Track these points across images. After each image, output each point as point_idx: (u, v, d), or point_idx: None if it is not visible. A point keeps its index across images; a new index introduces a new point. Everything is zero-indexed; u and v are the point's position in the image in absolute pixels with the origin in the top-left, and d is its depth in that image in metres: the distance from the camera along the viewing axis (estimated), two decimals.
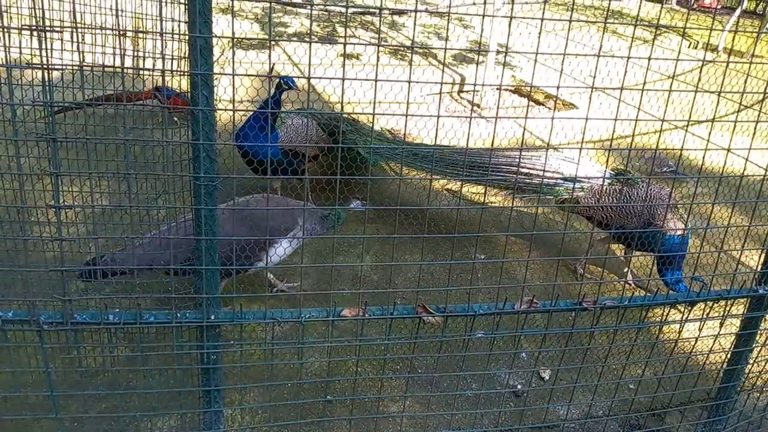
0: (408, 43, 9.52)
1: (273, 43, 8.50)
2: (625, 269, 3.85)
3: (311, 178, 4.52)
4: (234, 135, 3.70)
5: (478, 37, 9.71)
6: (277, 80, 3.69)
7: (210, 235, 1.89)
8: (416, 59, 8.53)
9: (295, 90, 3.66)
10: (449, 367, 3.09)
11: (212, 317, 1.95)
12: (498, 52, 7.98)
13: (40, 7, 1.50)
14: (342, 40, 8.89)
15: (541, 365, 3.26)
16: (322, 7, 10.22)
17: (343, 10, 10.03)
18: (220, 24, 6.85)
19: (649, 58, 2.25)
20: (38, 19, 1.44)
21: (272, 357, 1.96)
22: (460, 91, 8.12)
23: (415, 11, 1.86)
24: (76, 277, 2.81)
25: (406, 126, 1.96)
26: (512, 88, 8.37)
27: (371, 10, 10.23)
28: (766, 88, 2.90)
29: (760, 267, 2.41)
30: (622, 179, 3.72)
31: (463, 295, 3.64)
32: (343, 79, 1.75)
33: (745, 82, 2.38)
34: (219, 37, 1.66)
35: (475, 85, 8.05)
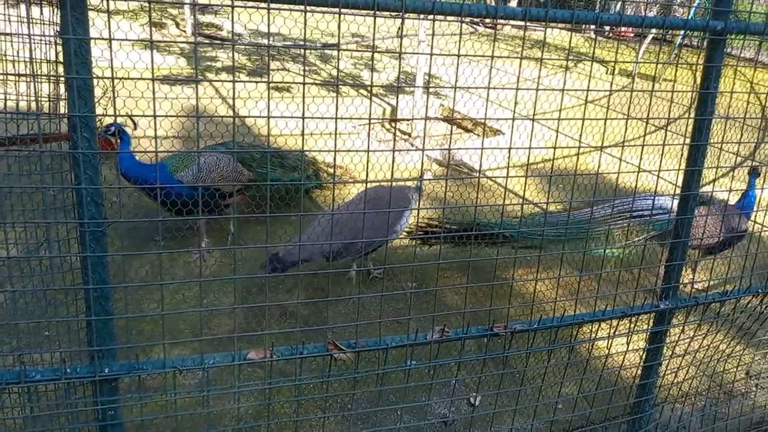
0: (339, 74, 9.63)
1: (200, 77, 8.39)
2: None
3: (236, 216, 4.43)
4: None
5: (407, 67, 9.94)
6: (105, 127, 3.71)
7: (100, 283, 1.79)
8: (347, 90, 8.62)
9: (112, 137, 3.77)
10: (371, 403, 3.04)
11: (106, 370, 1.83)
12: (426, 83, 8.17)
13: None
14: (271, 73, 8.88)
15: (471, 391, 3.26)
16: (250, 41, 10.20)
17: (276, 44, 10.05)
18: (140, 57, 6.70)
19: (563, 89, 2.34)
20: None
21: (176, 408, 1.85)
22: (391, 121, 8.25)
23: (338, 50, 1.86)
24: (263, 270, 3.73)
25: (335, 160, 1.92)
26: (441, 117, 8.58)
27: (299, 43, 10.30)
28: (669, 112, 3.09)
29: (660, 282, 2.51)
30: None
31: (396, 327, 3.62)
32: (269, 117, 1.72)
33: (649, 105, 2.51)
34: (98, 78, 1.61)
35: (406, 119, 8.19)
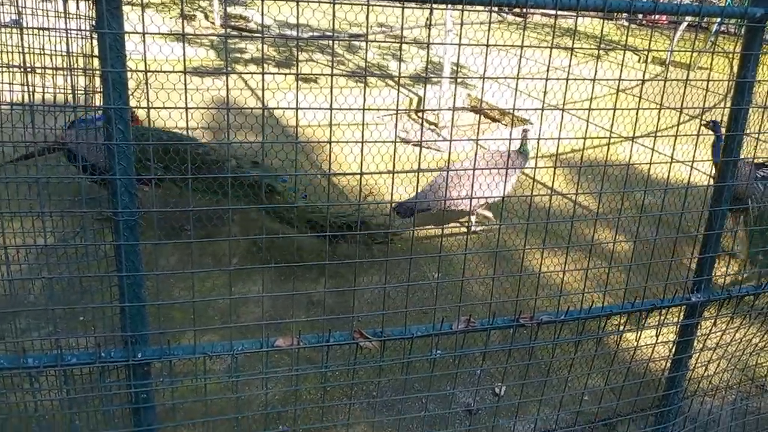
0: (365, 64, 9.62)
1: (229, 68, 8.48)
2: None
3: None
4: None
5: (434, 57, 9.87)
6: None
7: (133, 270, 1.85)
8: (373, 80, 8.61)
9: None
10: (398, 391, 3.07)
11: (139, 355, 1.89)
12: (452, 72, 8.11)
13: None
14: (299, 64, 8.93)
15: (496, 381, 3.26)
16: (277, 33, 10.27)
17: (303, 35, 10.08)
18: (172, 50, 6.81)
19: (594, 79, 2.30)
20: None
21: (206, 393, 1.91)
22: (416, 111, 8.21)
23: (367, 41, 1.87)
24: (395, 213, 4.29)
25: (362, 151, 1.94)
26: (468, 107, 8.51)
27: (328, 33, 10.32)
28: (704, 101, 3.01)
29: (692, 275, 2.46)
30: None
31: (420, 316, 3.64)
32: (297, 109, 1.73)
33: (683, 94, 2.45)
34: (132, 71, 1.65)
35: (431, 109, 8.15)
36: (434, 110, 7.85)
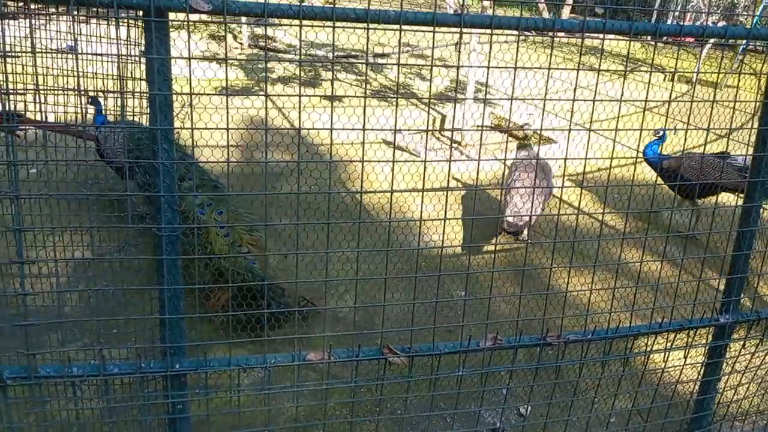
0: (389, 83, 9.76)
1: (257, 87, 8.68)
2: None
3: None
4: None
5: (458, 76, 9.96)
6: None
7: (173, 284, 1.92)
8: (399, 100, 8.71)
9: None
10: (424, 408, 3.08)
11: (177, 366, 1.96)
12: (477, 91, 8.18)
13: (3, 70, 1.57)
14: (325, 83, 9.10)
15: (520, 401, 3.26)
16: (305, 52, 10.48)
17: (327, 55, 10.28)
18: (199, 72, 7.02)
19: (620, 100, 2.34)
20: (1, 82, 1.51)
21: (239, 405, 1.96)
22: (441, 130, 8.28)
23: (398, 63, 1.95)
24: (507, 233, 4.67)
25: (393, 169, 2.01)
26: (492, 125, 8.55)
27: (353, 53, 10.50)
28: (731, 121, 3.01)
29: (721, 296, 2.45)
30: None
31: (444, 334, 3.66)
32: (331, 129, 1.81)
33: (710, 114, 2.47)
34: (178, 94, 1.74)
35: (453, 127, 8.21)
36: (458, 129, 7.91)
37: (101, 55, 1.76)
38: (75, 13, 1.62)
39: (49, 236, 2.09)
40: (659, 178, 5.07)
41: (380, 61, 10.38)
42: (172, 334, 1.97)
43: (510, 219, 4.60)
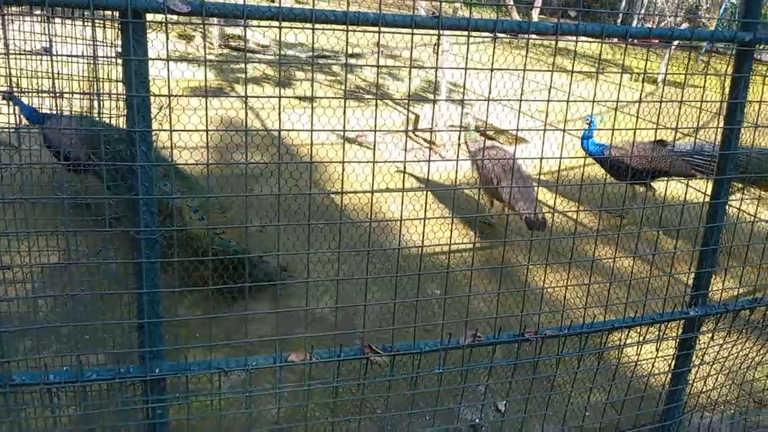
0: (363, 84, 9.77)
1: (229, 88, 8.59)
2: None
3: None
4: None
5: (431, 76, 10.03)
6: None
7: (152, 287, 1.90)
8: (371, 98, 8.74)
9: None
10: (404, 407, 3.11)
11: (156, 370, 1.94)
12: (450, 91, 8.26)
13: None
14: (299, 84, 9.05)
15: (497, 397, 3.30)
16: (277, 52, 10.41)
17: (301, 56, 10.24)
18: (174, 74, 6.92)
19: (593, 101, 2.39)
20: None
21: (219, 408, 1.95)
22: (415, 130, 8.33)
23: (377, 65, 1.96)
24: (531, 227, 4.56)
25: (373, 170, 2.02)
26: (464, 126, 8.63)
27: (326, 53, 10.47)
28: (698, 120, 3.11)
29: (690, 290, 2.54)
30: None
31: (422, 333, 3.68)
32: (312, 131, 1.82)
33: (678, 114, 2.54)
34: (156, 96, 1.72)
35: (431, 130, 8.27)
36: (431, 130, 7.97)
37: (76, 56, 1.73)
38: (50, 14, 1.59)
39: (24, 241, 2.04)
40: (601, 168, 5.38)
41: (354, 61, 10.38)
42: (151, 338, 1.95)
43: (532, 216, 4.75)
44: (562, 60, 11.67)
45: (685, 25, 11.43)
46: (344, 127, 1.70)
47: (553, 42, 2.16)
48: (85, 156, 3.68)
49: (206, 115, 1.72)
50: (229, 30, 11.92)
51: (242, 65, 9.74)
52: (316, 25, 1.84)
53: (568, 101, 2.11)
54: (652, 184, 5.61)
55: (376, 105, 1.92)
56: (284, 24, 1.77)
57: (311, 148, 1.97)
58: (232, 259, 3.57)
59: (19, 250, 1.74)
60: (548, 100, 2.10)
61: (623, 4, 14.79)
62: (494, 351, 2.25)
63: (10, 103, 4.02)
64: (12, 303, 2.02)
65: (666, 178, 5.29)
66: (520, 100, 2.14)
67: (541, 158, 2.16)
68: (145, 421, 2.02)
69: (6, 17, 1.84)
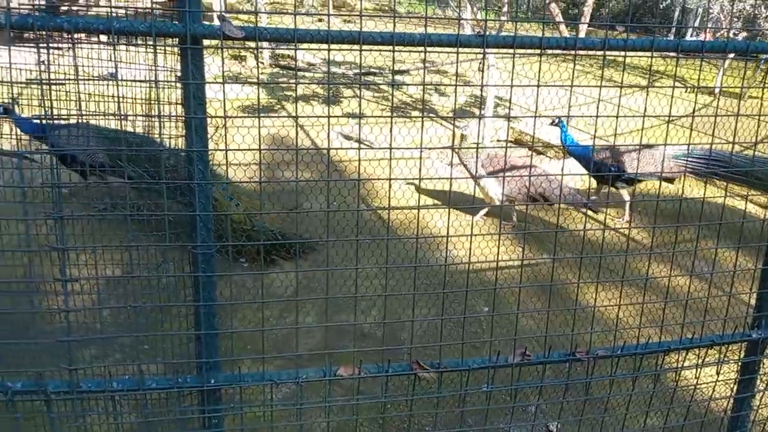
0: (408, 99, 9.85)
1: (278, 106, 8.83)
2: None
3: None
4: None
5: (477, 91, 10.01)
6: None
7: (208, 300, 1.97)
8: (417, 115, 8.80)
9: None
10: (452, 424, 3.08)
11: (212, 381, 2.00)
12: (496, 106, 8.23)
13: (48, 98, 1.65)
14: (347, 101, 9.22)
15: (548, 418, 3.23)
16: (324, 70, 10.64)
17: (349, 73, 10.43)
18: (234, 90, 7.18)
19: (644, 115, 2.36)
20: (46, 109, 1.59)
21: (271, 419, 1.99)
22: (459, 148, 8.32)
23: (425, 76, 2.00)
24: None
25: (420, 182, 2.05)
26: (512, 139, 8.56)
27: (372, 70, 10.64)
28: (756, 134, 3.00)
29: (752, 311, 2.43)
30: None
31: (469, 350, 3.66)
32: (359, 149, 1.88)
33: (735, 127, 2.47)
34: (212, 117, 1.80)
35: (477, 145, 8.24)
36: (484, 147, 7.94)
37: (139, 81, 1.84)
38: (115, 41, 1.70)
39: (90, 254, 2.18)
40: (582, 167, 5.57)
41: (400, 77, 10.49)
42: (207, 349, 2.02)
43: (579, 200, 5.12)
44: (611, 73, 11.45)
45: (742, 36, 11.01)
46: (390, 144, 1.73)
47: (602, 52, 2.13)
48: (104, 159, 4.14)
49: (259, 135, 1.79)
50: (278, 50, 12.27)
51: (290, 83, 10.00)
52: (365, 48, 1.89)
53: (617, 116, 2.08)
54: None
55: (422, 123, 1.95)
56: (333, 46, 1.83)
57: (359, 165, 2.02)
58: (269, 235, 4.52)
59: (87, 263, 1.86)
60: (596, 116, 2.08)
61: (676, 14, 14.38)
62: (544, 370, 2.21)
63: (8, 119, 4.45)
64: (77, 313, 2.14)
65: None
66: (568, 116, 2.13)
67: (563, 174, 2.13)
68: (201, 430, 2.08)
69: (76, 45, 1.98)
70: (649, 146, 5.54)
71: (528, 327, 4.09)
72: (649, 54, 2.18)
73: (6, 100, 4.18)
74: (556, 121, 5.77)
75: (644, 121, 2.39)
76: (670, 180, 5.61)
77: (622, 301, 4.07)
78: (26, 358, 2.46)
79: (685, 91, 10.75)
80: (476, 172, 5.30)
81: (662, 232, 5.42)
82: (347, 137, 7.33)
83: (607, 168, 5.52)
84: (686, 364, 2.34)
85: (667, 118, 2.30)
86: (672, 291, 4.20)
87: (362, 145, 7.09)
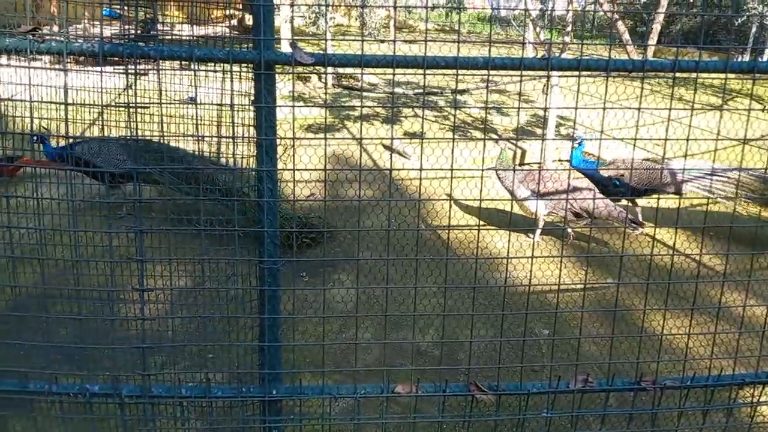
0: (469, 120, 9.84)
1: (340, 125, 9.04)
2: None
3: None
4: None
5: (538, 110, 9.89)
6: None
7: (273, 313, 2.05)
8: (478, 134, 8.78)
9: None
10: None
11: (274, 392, 2.07)
12: (558, 125, 8.09)
13: (134, 119, 1.78)
14: (406, 120, 9.32)
15: None
16: (385, 90, 10.81)
17: (409, 92, 10.55)
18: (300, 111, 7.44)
19: (717, 139, 2.29)
20: (131, 130, 1.72)
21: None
22: (521, 164, 8.22)
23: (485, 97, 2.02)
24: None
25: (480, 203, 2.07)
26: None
27: (434, 90, 10.71)
28: None
29: None
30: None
31: (528, 374, 3.58)
32: (420, 170, 1.92)
33: None
34: (282, 138, 1.89)
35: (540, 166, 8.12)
36: (547, 169, 7.83)
37: (218, 105, 1.96)
38: (195, 67, 1.83)
39: (166, 266, 2.32)
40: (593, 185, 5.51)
41: (460, 96, 10.51)
42: (270, 360, 2.10)
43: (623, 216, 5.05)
44: (682, 93, 11.03)
45: None
46: (452, 165, 1.76)
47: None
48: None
49: (325, 155, 1.87)
50: (341, 69, 12.58)
51: (352, 103, 10.22)
52: (428, 71, 1.94)
53: (688, 139, 2.02)
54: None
55: (484, 144, 1.97)
56: (398, 70, 1.88)
57: (420, 184, 2.05)
58: (299, 222, 5.04)
59: (162, 274, 1.99)
60: (665, 139, 2.03)
61: (753, 30, 13.71)
62: (607, 398, 2.15)
63: (41, 146, 4.90)
64: (151, 321, 2.27)
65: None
66: (635, 139, 2.08)
67: (658, 197, 2.07)
68: None
69: (162, 72, 2.15)
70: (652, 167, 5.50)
71: (590, 353, 3.97)
72: (722, 75, 2.11)
73: (44, 129, 4.58)
74: (578, 140, 5.76)
75: (716, 144, 2.31)
76: (677, 193, 5.55)
77: (693, 329, 3.88)
78: (103, 362, 2.62)
79: (762, 110, 10.20)
80: (513, 187, 5.32)
81: (736, 259, 5.15)
82: (396, 151, 7.60)
83: (612, 184, 5.50)
84: (762, 399, 2.21)
85: (742, 140, 2.21)
86: (747, 321, 3.97)
87: (399, 155, 7.41)
